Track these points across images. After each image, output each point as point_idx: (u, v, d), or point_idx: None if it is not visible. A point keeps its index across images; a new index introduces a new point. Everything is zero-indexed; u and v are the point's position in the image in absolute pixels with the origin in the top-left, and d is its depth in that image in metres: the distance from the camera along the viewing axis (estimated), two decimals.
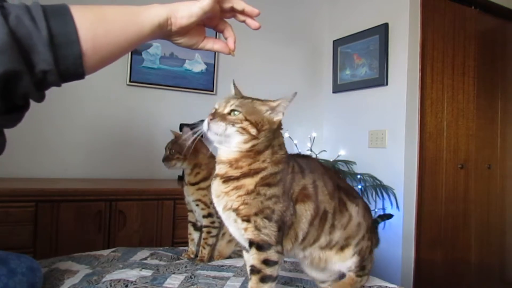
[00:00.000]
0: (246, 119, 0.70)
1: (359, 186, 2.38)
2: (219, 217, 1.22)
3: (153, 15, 0.56)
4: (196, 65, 2.49)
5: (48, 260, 1.07)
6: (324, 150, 2.80)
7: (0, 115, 0.46)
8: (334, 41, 2.82)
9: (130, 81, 2.29)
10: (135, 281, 0.90)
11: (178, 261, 1.14)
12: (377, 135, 2.45)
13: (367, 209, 0.89)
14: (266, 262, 0.70)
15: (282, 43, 2.83)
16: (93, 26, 0.49)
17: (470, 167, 2.62)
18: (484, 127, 2.76)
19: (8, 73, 0.43)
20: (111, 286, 0.87)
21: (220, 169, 0.74)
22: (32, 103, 0.51)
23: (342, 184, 0.87)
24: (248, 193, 0.69)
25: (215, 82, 2.55)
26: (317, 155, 2.72)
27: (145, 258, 1.15)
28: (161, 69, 2.38)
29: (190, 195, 1.22)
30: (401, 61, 2.32)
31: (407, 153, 2.28)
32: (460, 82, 2.57)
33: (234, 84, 0.83)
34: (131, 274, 0.95)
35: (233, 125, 0.69)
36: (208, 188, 1.20)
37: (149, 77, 2.34)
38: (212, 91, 2.53)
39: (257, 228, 0.69)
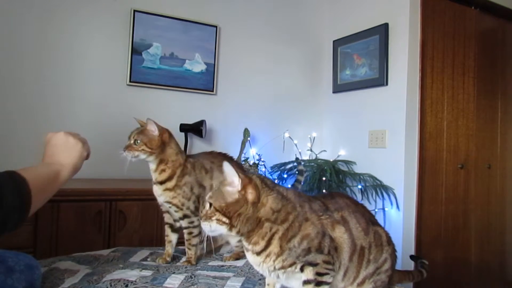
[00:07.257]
0: None
1: (359, 186, 2.38)
2: (196, 216, 1.13)
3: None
4: (196, 65, 2.49)
5: (48, 260, 1.07)
6: (324, 150, 2.80)
7: None
8: (334, 41, 2.82)
9: (130, 81, 2.29)
10: (135, 281, 0.90)
11: (178, 261, 1.14)
12: (377, 135, 2.45)
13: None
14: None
15: (282, 43, 2.83)
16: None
17: (470, 167, 2.62)
18: (484, 127, 2.76)
19: None
20: (111, 285, 0.87)
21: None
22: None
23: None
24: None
25: (215, 82, 2.54)
26: (317, 155, 2.73)
27: (145, 259, 1.15)
28: (161, 69, 2.38)
29: (160, 195, 1.11)
30: (401, 61, 2.33)
31: (407, 153, 2.28)
32: (460, 82, 2.57)
33: None
34: (131, 274, 0.95)
35: None
36: (174, 188, 1.09)
37: (149, 77, 2.34)
38: (212, 91, 2.53)
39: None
